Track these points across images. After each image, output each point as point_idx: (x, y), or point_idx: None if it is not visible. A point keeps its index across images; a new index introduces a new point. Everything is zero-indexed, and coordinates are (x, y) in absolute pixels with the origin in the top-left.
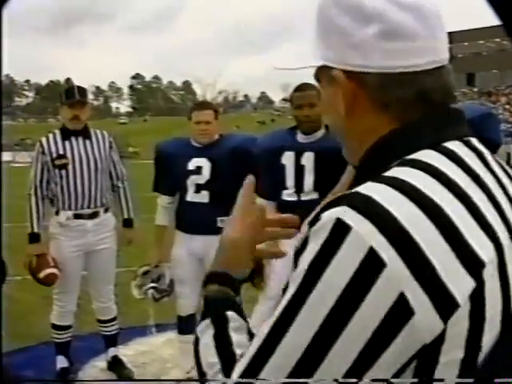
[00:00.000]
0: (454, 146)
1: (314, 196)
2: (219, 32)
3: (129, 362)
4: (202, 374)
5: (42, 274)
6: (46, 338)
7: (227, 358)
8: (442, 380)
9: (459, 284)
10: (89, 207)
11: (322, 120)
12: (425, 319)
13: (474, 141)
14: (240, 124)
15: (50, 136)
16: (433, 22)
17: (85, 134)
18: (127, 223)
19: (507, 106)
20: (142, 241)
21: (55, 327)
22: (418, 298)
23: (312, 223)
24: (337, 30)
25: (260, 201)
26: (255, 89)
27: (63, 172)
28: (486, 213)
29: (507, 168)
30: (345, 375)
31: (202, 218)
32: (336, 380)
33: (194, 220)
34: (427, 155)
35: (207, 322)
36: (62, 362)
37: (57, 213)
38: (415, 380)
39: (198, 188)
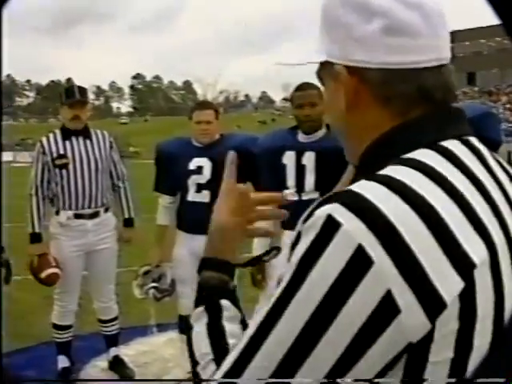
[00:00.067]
0: (452, 145)
1: (315, 195)
2: (219, 32)
3: (130, 361)
4: (194, 362)
5: (43, 274)
6: (46, 337)
7: (220, 347)
8: (424, 380)
9: (447, 284)
10: (89, 207)
11: (322, 119)
12: (411, 318)
13: (473, 140)
14: (241, 124)
15: (51, 136)
16: (436, 21)
17: (85, 133)
18: (128, 223)
19: (508, 106)
20: (142, 240)
21: (56, 327)
22: (405, 297)
23: (305, 220)
24: (341, 24)
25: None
26: (256, 88)
27: (64, 172)
28: (481, 213)
29: (507, 167)
30: (331, 370)
31: (203, 217)
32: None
33: (195, 220)
34: (423, 154)
35: (201, 309)
36: (63, 361)
37: (57, 213)
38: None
39: (199, 188)
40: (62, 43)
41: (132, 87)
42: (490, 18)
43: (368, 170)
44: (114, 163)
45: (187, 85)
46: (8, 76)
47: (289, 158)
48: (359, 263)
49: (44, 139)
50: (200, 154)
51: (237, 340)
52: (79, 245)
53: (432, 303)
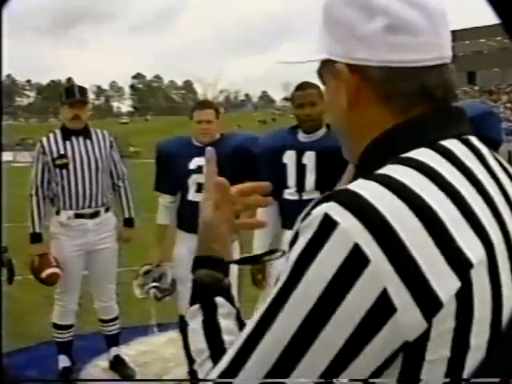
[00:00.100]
0: (452, 144)
1: (316, 195)
2: (219, 32)
3: (131, 361)
4: (190, 360)
5: (44, 274)
6: (47, 337)
7: (216, 344)
8: (421, 380)
9: (444, 283)
10: (90, 207)
11: (323, 119)
12: (407, 317)
13: (473, 139)
14: (241, 123)
15: (51, 136)
16: (438, 20)
17: (85, 133)
18: (128, 222)
19: (508, 105)
20: (143, 240)
21: (57, 327)
22: (401, 296)
23: (303, 219)
24: (343, 23)
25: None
26: (256, 88)
27: (64, 172)
28: (479, 213)
29: (508, 166)
30: (327, 368)
31: None
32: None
33: (195, 219)
34: (422, 153)
35: (196, 307)
36: (64, 361)
37: (57, 212)
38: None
39: (200, 187)
40: (62, 43)
41: (132, 87)
42: (491, 18)
43: (368, 168)
44: (114, 163)
45: (187, 84)
46: (8, 76)
47: (289, 158)
48: (355, 262)
49: (44, 139)
50: (200, 153)
51: (233, 336)
52: (80, 244)
53: (428, 302)
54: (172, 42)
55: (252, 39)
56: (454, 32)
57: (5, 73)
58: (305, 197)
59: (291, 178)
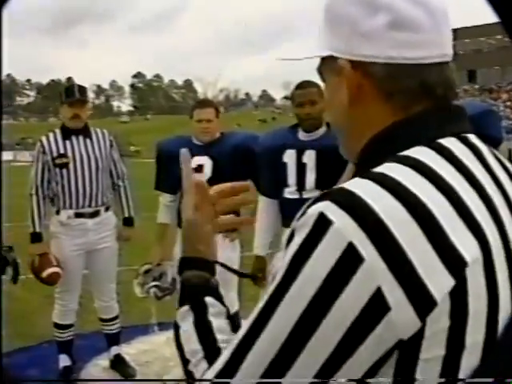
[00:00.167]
0: (449, 142)
1: (316, 194)
2: (219, 32)
3: (131, 360)
4: (185, 361)
5: (44, 274)
6: (48, 337)
7: (209, 344)
8: (416, 380)
9: (438, 282)
10: (90, 206)
11: (323, 118)
12: (401, 315)
13: (472, 137)
14: (241, 122)
15: (51, 135)
16: (439, 18)
17: (85, 132)
18: (127, 222)
19: (508, 103)
20: (143, 239)
21: (57, 326)
22: (395, 294)
23: (299, 218)
24: (346, 19)
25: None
26: (256, 87)
27: (64, 171)
28: (475, 211)
29: (508, 165)
30: (322, 367)
31: None
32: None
33: None
34: (419, 152)
35: (186, 308)
36: (64, 360)
37: (58, 212)
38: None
39: None
40: (62, 43)
41: (132, 86)
42: (491, 16)
43: (367, 166)
44: (114, 162)
45: (188, 83)
46: (8, 75)
47: (289, 157)
48: (350, 260)
49: (44, 138)
50: (200, 152)
51: (225, 335)
52: (80, 244)
53: (422, 301)
54: (172, 41)
55: (252, 39)
56: (454, 30)
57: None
58: (305, 195)
59: (291, 177)
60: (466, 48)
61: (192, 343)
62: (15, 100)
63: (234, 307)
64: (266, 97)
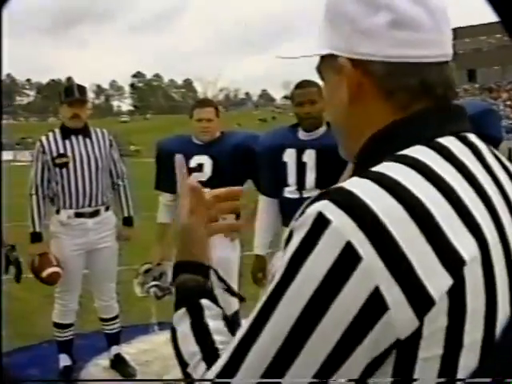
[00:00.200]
0: (448, 141)
1: (316, 193)
2: (219, 32)
3: (131, 360)
4: (183, 363)
5: (44, 273)
6: (48, 336)
7: (207, 345)
8: (415, 380)
9: (436, 281)
10: (89, 206)
11: (323, 117)
12: (399, 314)
13: (471, 136)
14: (241, 122)
15: (50, 135)
16: (440, 17)
17: (85, 132)
18: (127, 221)
19: (508, 102)
20: (143, 239)
21: (57, 325)
22: (393, 293)
23: (298, 218)
24: (347, 17)
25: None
26: (256, 86)
27: (64, 171)
28: (474, 210)
29: (508, 164)
30: (321, 366)
31: None
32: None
33: None
34: (418, 151)
35: (182, 311)
36: (64, 360)
37: (57, 212)
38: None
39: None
40: (62, 43)
41: (132, 86)
42: (490, 15)
43: (366, 165)
44: (114, 161)
45: (187, 83)
46: (8, 75)
47: (289, 156)
48: (348, 260)
49: (44, 138)
50: (200, 151)
51: (223, 336)
52: (80, 243)
53: (420, 300)
54: (172, 41)
55: (252, 39)
56: (453, 30)
57: (5, 72)
58: (305, 195)
59: (291, 176)
60: (466, 47)
61: (190, 345)
62: (15, 100)
63: (234, 306)
64: (265, 96)
